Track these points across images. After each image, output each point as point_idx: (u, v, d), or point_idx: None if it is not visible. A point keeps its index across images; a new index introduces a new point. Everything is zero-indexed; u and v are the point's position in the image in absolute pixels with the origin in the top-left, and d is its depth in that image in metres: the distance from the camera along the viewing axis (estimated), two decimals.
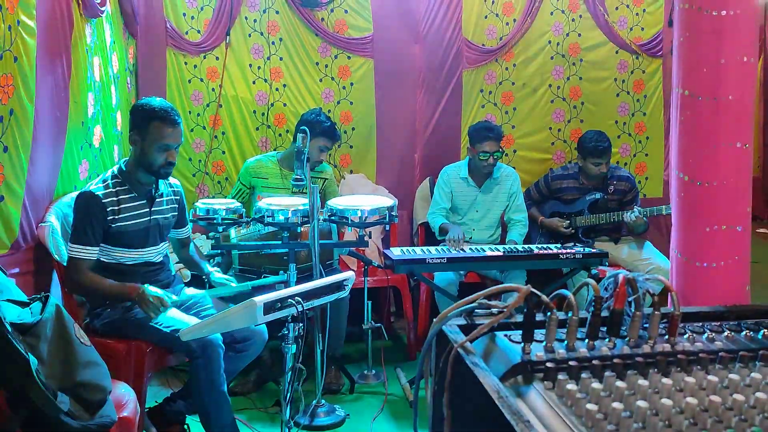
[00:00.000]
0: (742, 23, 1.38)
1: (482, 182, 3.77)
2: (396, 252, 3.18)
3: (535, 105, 4.38)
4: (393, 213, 2.99)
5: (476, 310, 1.16)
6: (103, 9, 2.96)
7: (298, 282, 2.82)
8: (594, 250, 3.31)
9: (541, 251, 3.25)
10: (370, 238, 3.03)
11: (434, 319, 1.11)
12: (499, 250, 3.24)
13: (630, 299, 1.11)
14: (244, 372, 3.11)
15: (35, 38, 2.35)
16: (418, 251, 3.21)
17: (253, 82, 4.03)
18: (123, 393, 2.14)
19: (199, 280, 3.17)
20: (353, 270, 3.70)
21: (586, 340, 1.10)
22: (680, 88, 1.48)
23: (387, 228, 3.95)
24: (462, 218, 3.82)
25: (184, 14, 3.86)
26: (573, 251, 3.23)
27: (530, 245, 3.37)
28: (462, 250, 3.26)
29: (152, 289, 2.42)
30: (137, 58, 3.78)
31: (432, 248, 3.28)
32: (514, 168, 3.99)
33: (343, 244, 3.24)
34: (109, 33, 3.22)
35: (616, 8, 4.34)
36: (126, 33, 3.58)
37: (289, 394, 2.27)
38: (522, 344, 1.06)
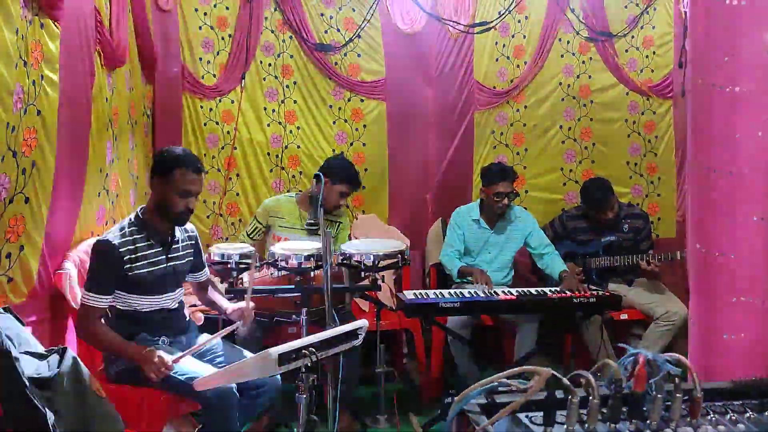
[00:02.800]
0: (755, 98, 1.40)
1: (494, 223, 3.77)
2: (409, 295, 3.17)
3: (546, 146, 4.41)
4: (405, 256, 2.99)
5: (497, 389, 1.15)
6: (124, 60, 3.03)
7: (311, 326, 2.82)
8: (608, 293, 3.29)
9: (554, 294, 3.23)
10: (383, 281, 3.03)
11: (455, 398, 1.11)
12: (512, 294, 3.23)
13: (651, 381, 1.10)
14: (257, 417, 3.09)
15: (58, 91, 2.40)
16: (431, 295, 3.20)
17: (268, 125, 4.08)
18: None
19: (213, 325, 3.18)
20: (365, 312, 3.70)
21: (608, 423, 1.09)
22: (695, 161, 1.49)
23: (399, 270, 3.97)
24: (474, 260, 3.81)
25: (201, 59, 3.94)
26: (587, 295, 3.21)
27: (544, 289, 3.35)
28: (495, 292, 3.24)
29: (158, 353, 2.40)
30: (154, 102, 3.84)
31: (445, 291, 3.27)
32: (525, 208, 3.99)
33: (356, 288, 3.23)
34: (128, 80, 3.28)
35: (626, 51, 4.39)
36: (144, 78, 3.65)
37: None
38: (543, 428, 1.05)
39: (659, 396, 1.09)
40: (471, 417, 1.07)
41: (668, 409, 1.12)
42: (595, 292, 3.25)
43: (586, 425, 1.07)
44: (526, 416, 1.11)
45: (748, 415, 1.15)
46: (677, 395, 1.10)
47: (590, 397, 1.07)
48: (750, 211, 1.41)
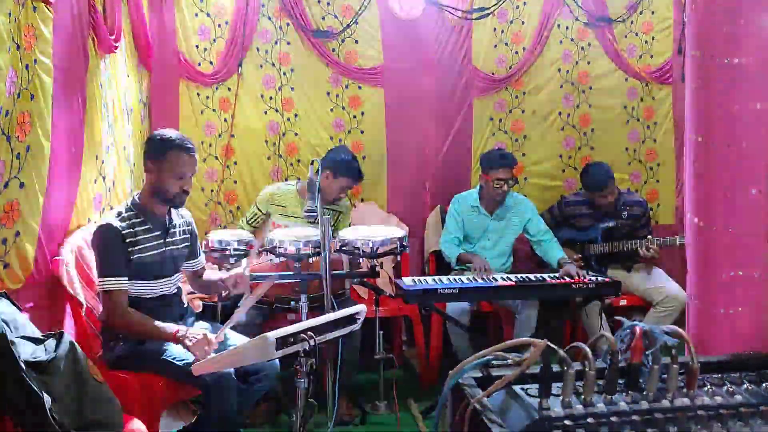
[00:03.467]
0: (754, 70, 1.38)
1: (494, 210, 3.76)
2: (408, 282, 3.16)
3: (545, 132, 4.39)
4: (404, 243, 2.99)
5: (492, 362, 1.15)
6: (117, 44, 3.01)
7: (310, 312, 2.82)
8: (607, 280, 3.29)
9: (553, 281, 3.23)
10: (381, 268, 3.03)
11: (450, 371, 1.11)
12: (511, 280, 3.22)
13: (648, 352, 1.10)
14: (255, 403, 3.10)
15: (51, 76, 2.39)
16: (430, 281, 3.20)
17: (265, 112, 4.06)
18: (135, 428, 2.14)
19: (210, 311, 3.18)
20: (364, 299, 3.70)
21: (604, 394, 1.09)
22: (693, 133, 1.47)
23: (398, 257, 3.96)
24: (474, 246, 3.80)
25: (197, 46, 3.91)
26: (586, 281, 3.20)
27: (543, 275, 3.34)
28: (493, 278, 3.24)
29: (202, 332, 2.42)
30: (150, 90, 3.82)
31: (444, 278, 3.26)
32: (525, 196, 3.98)
33: (355, 274, 3.23)
34: (123, 67, 3.27)
35: (625, 36, 4.36)
36: (140, 66, 3.63)
37: (301, 428, 2.25)
38: (539, 399, 1.05)
39: (656, 367, 1.09)
40: (466, 390, 1.07)
41: (665, 381, 1.12)
42: (594, 278, 3.25)
43: (582, 397, 1.07)
44: (522, 388, 1.10)
45: (745, 386, 1.14)
46: (674, 366, 1.10)
47: (586, 369, 1.07)
48: (748, 183, 1.40)
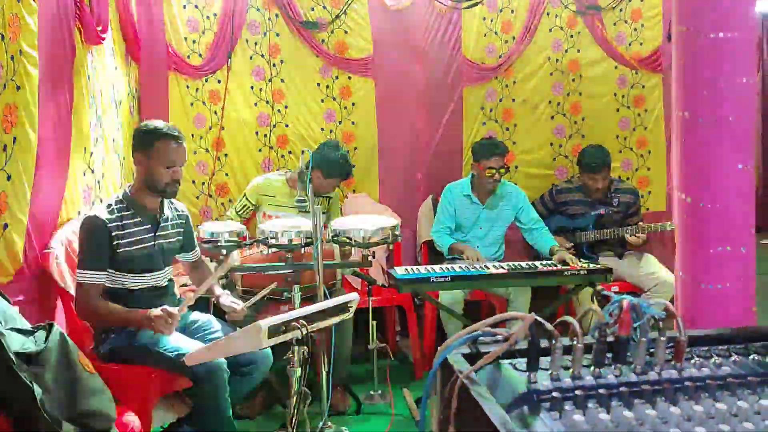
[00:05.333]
0: (740, 45, 1.39)
1: (485, 199, 3.77)
2: (400, 271, 3.17)
3: (535, 121, 4.40)
4: (396, 232, 2.99)
5: (481, 338, 1.15)
6: (104, 36, 2.99)
7: (303, 303, 2.82)
8: (598, 266, 3.30)
9: (545, 268, 3.23)
10: (374, 258, 3.03)
11: (438, 348, 1.11)
12: (503, 268, 3.23)
13: (635, 325, 1.10)
14: (249, 395, 3.10)
15: (38, 67, 2.37)
16: (422, 270, 3.20)
17: (255, 104, 4.05)
18: (128, 420, 2.13)
19: (203, 304, 3.17)
20: (357, 290, 3.70)
21: (592, 368, 1.09)
22: (680, 109, 1.48)
23: (391, 247, 3.96)
24: (465, 236, 3.81)
25: (186, 38, 3.90)
26: (577, 268, 3.21)
27: (535, 262, 3.35)
28: (486, 266, 3.25)
29: (155, 312, 2.41)
30: (139, 82, 3.81)
31: (436, 267, 3.27)
32: (516, 184, 3.99)
33: (347, 264, 3.24)
34: (110, 59, 3.25)
35: (614, 24, 4.37)
36: (128, 58, 3.61)
37: (295, 418, 2.25)
38: (527, 373, 1.05)
39: (643, 340, 1.09)
40: (455, 366, 1.07)
41: (652, 355, 1.12)
42: (585, 265, 3.26)
43: (571, 370, 1.07)
44: (510, 363, 1.11)
45: (732, 358, 1.15)
46: (661, 339, 1.10)
47: (574, 343, 1.07)
48: (735, 158, 1.40)
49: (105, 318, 2.47)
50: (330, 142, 3.57)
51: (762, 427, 0.94)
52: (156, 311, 2.40)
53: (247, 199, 3.57)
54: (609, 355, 1.12)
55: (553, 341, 1.06)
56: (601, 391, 1.01)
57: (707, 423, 0.95)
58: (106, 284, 2.51)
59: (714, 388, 1.04)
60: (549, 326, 1.07)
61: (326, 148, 3.47)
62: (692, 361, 1.14)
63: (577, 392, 1.00)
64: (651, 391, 1.02)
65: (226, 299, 2.74)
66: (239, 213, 3.59)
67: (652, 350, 1.13)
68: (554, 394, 0.99)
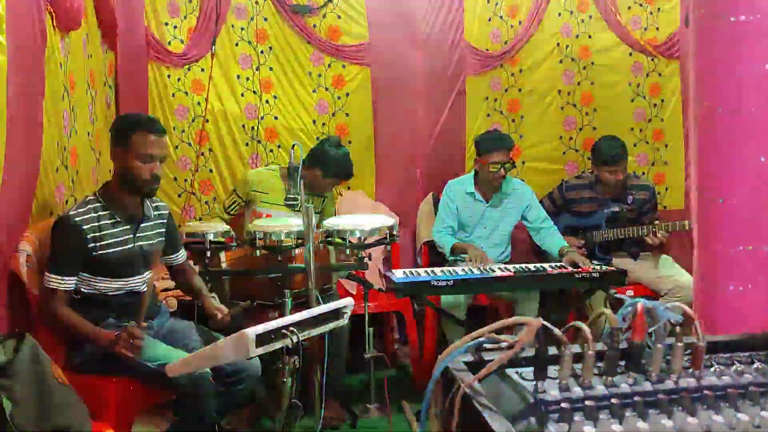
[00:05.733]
0: (762, 28, 1.38)
1: (490, 196, 3.77)
2: (398, 274, 3.17)
3: (544, 113, 4.41)
4: (394, 232, 2.99)
5: (484, 345, 1.15)
6: (78, 22, 2.98)
7: (294, 309, 2.82)
8: (612, 268, 3.30)
9: (554, 270, 3.24)
10: (370, 260, 3.03)
11: (440, 356, 1.11)
12: (509, 270, 3.23)
13: (650, 330, 1.10)
14: (236, 408, 3.09)
15: (6, 54, 2.36)
16: (422, 273, 3.20)
17: (242, 95, 4.05)
18: None
19: (187, 310, 3.17)
20: (353, 294, 3.70)
21: (604, 377, 1.09)
22: (698, 99, 1.48)
23: (388, 248, 3.96)
24: (469, 236, 3.81)
25: (166, 23, 3.90)
26: (589, 270, 3.22)
27: (543, 264, 3.35)
28: (491, 269, 3.25)
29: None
30: (116, 71, 3.80)
31: (437, 269, 3.27)
32: (523, 180, 3.99)
33: (341, 267, 3.24)
34: (85, 46, 3.24)
35: (629, 7, 4.38)
36: (104, 45, 3.60)
37: None
38: (534, 382, 1.05)
39: (659, 346, 1.09)
40: (456, 375, 1.07)
41: (669, 362, 1.12)
42: (598, 267, 3.26)
43: (581, 379, 1.07)
44: (516, 372, 1.11)
45: (755, 365, 1.15)
46: (678, 345, 1.10)
47: (585, 350, 1.07)
48: (756, 151, 1.40)
49: (68, 328, 2.45)
50: (332, 139, 3.56)
51: None
52: (118, 332, 2.36)
53: (237, 194, 3.56)
54: (622, 362, 1.12)
55: (562, 348, 1.07)
56: (613, 401, 1.01)
57: None
58: (83, 289, 2.50)
59: (735, 398, 1.04)
60: (557, 332, 1.07)
61: (327, 145, 3.46)
62: (712, 369, 1.14)
63: (588, 403, 1.00)
64: (667, 401, 1.02)
65: (211, 303, 2.73)
66: (228, 210, 3.58)
67: (668, 357, 1.13)
68: (563, 404, 0.99)
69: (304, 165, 3.29)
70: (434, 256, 3.99)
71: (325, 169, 3.40)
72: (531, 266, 3.32)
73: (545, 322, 1.07)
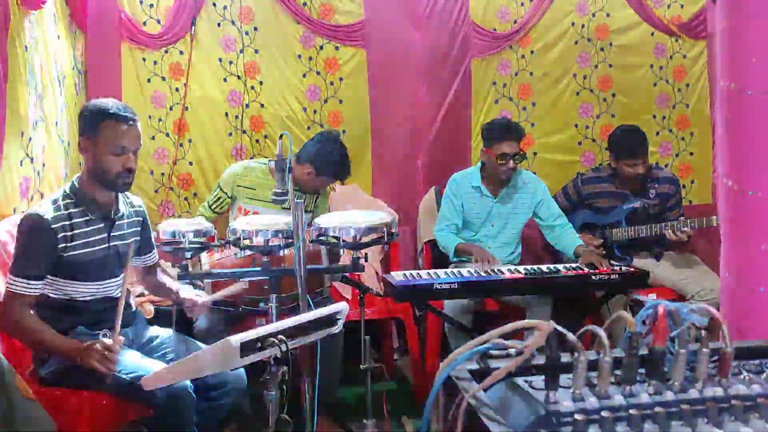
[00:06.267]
0: None
1: (498, 191, 3.78)
2: (398, 277, 3.18)
3: (558, 99, 4.42)
4: (393, 231, 2.99)
5: (490, 352, 1.16)
6: None
7: (282, 315, 2.82)
8: (633, 269, 3.31)
9: (569, 272, 3.25)
10: (366, 261, 3.03)
11: (441, 363, 1.11)
12: (519, 272, 3.24)
13: (672, 335, 1.11)
14: (220, 425, 3.10)
15: None
16: (424, 275, 3.21)
17: (225, 80, 4.06)
18: None
19: (164, 317, 3.17)
20: (347, 299, 3.71)
21: (622, 385, 1.10)
22: (726, 80, 1.48)
23: (386, 248, 3.96)
24: (475, 234, 3.82)
25: (141, 2, 3.90)
26: (608, 271, 3.22)
27: (557, 265, 3.36)
28: (499, 270, 3.25)
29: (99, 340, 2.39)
30: (86, 54, 3.81)
31: (440, 271, 3.28)
32: (534, 173, 3.99)
33: (335, 269, 3.24)
34: (52, 26, 3.24)
35: None
36: (73, 25, 3.61)
37: None
38: (545, 392, 1.05)
39: (682, 352, 1.10)
40: (460, 384, 1.07)
41: (693, 369, 1.13)
42: (617, 268, 3.27)
43: (597, 388, 1.07)
44: (525, 380, 1.11)
45: None
46: (703, 351, 1.11)
47: (601, 356, 1.08)
48: None
49: (31, 338, 2.43)
50: (330, 134, 3.54)
51: None
52: (92, 343, 2.35)
53: (221, 190, 3.56)
54: (642, 370, 1.13)
55: (576, 354, 1.07)
56: (632, 412, 1.02)
57: None
58: (51, 295, 2.50)
59: (766, 408, 1.05)
60: (571, 337, 1.08)
61: (324, 140, 3.45)
62: (740, 377, 1.14)
63: (604, 413, 1.01)
64: (691, 412, 1.03)
65: (187, 292, 2.73)
66: (213, 208, 3.58)
67: (692, 364, 1.14)
68: (577, 416, 1.00)
69: (297, 160, 3.30)
70: (437, 256, 4.00)
71: (318, 167, 3.39)
72: (543, 268, 3.32)
73: (557, 326, 1.07)
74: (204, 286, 3.26)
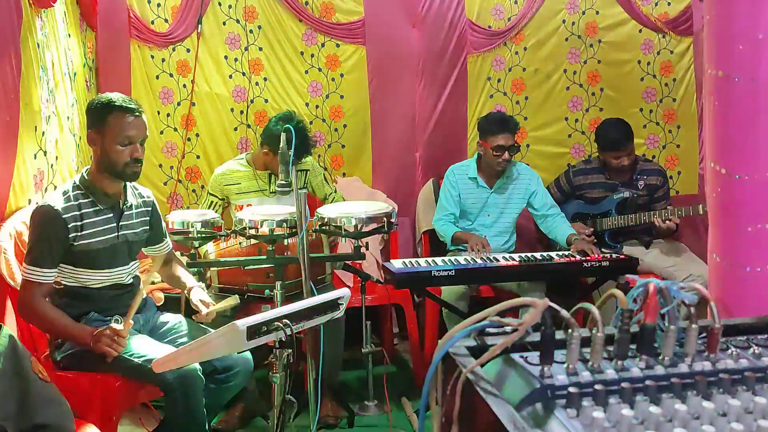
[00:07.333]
0: None
1: (494, 182, 3.77)
2: (397, 264, 3.17)
3: (549, 93, 4.41)
4: (392, 220, 2.98)
5: (487, 329, 1.15)
6: None
7: (287, 301, 2.82)
8: (623, 257, 3.31)
9: (562, 260, 3.24)
10: (367, 249, 3.03)
11: (440, 340, 1.11)
12: (514, 260, 3.23)
13: (663, 311, 1.10)
14: (227, 406, 3.11)
15: None
16: (423, 263, 3.20)
17: (230, 77, 4.04)
18: None
19: (174, 303, 3.17)
20: (349, 285, 3.70)
21: (614, 360, 1.09)
22: (713, 68, 1.47)
23: (386, 237, 3.95)
24: (472, 224, 3.81)
25: (149, 1, 3.88)
26: (599, 258, 3.22)
27: (550, 253, 3.36)
28: (494, 258, 3.25)
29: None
30: (97, 52, 3.79)
31: (438, 259, 3.27)
32: (527, 164, 3.99)
33: (336, 257, 3.24)
34: (63, 25, 3.23)
35: None
36: (83, 24, 3.59)
37: (279, 431, 2.26)
38: (540, 367, 1.05)
39: (672, 328, 1.09)
40: (458, 360, 1.07)
41: (683, 345, 1.13)
42: (608, 256, 3.27)
43: (590, 363, 1.07)
44: (521, 356, 1.11)
45: None
46: (693, 327, 1.10)
47: (594, 332, 1.07)
48: None
49: (47, 324, 2.47)
50: (284, 115, 3.41)
51: None
52: (104, 329, 2.39)
53: (211, 194, 3.54)
54: (633, 346, 1.12)
55: (570, 331, 1.06)
56: (624, 385, 1.01)
57: (744, 418, 0.96)
58: (64, 282, 2.50)
59: (753, 381, 1.04)
60: (565, 314, 1.07)
61: (275, 120, 3.37)
62: (728, 352, 1.14)
63: (597, 387, 1.00)
64: (681, 385, 1.02)
65: (197, 295, 2.72)
66: None
67: (682, 340, 1.13)
68: (571, 389, 0.99)
69: (260, 144, 3.30)
70: (435, 245, 3.99)
71: (271, 146, 3.35)
72: (538, 255, 3.32)
73: (552, 303, 1.07)
74: (210, 274, 3.26)
